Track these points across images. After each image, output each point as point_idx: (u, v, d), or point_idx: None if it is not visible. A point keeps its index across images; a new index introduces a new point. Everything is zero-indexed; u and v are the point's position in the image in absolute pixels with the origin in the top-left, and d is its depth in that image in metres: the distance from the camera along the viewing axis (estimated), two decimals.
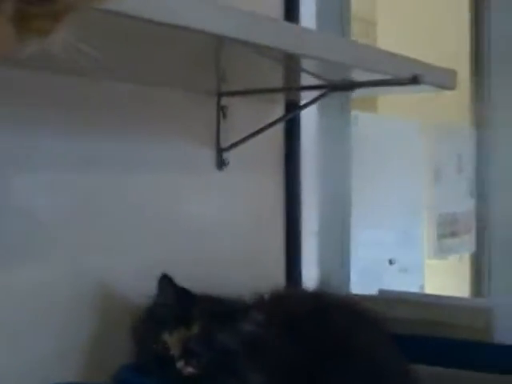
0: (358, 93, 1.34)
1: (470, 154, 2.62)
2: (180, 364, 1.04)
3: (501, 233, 2.63)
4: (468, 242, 2.61)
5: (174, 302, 1.11)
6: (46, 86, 1.06)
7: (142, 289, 1.09)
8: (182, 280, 1.11)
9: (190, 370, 1.04)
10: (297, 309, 1.17)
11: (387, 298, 1.38)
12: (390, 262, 1.94)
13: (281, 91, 1.38)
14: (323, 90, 1.28)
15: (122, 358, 1.08)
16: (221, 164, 1.35)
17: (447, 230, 2.47)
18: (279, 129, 1.49)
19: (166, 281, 1.11)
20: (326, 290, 1.25)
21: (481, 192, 2.64)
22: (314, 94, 1.36)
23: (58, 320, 1.10)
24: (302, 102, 1.47)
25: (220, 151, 1.35)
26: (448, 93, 2.37)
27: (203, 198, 1.33)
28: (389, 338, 1.23)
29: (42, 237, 1.07)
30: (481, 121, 2.67)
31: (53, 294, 1.09)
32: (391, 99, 2.16)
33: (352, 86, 1.22)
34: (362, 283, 1.84)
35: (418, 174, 2.31)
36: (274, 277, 1.46)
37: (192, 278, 1.11)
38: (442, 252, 2.43)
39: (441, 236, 2.42)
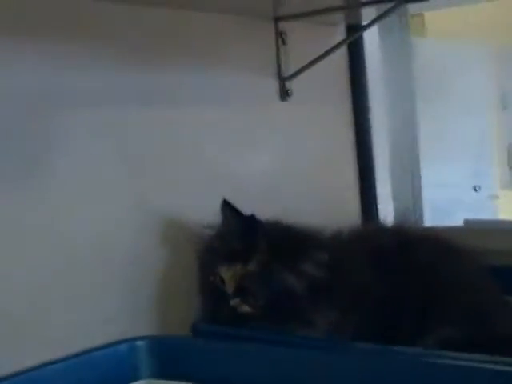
0: (430, 5, 1.19)
1: None
2: (235, 302, 0.97)
3: None
4: None
5: (235, 232, 1.02)
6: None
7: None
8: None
9: (246, 308, 0.97)
10: (380, 243, 1.06)
11: (474, 228, 1.27)
12: (475, 189, 1.83)
13: (342, 9, 1.25)
14: (392, 3, 1.15)
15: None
16: (284, 94, 1.24)
17: None
18: (342, 54, 1.37)
19: (227, 207, 1.03)
20: (408, 225, 1.15)
21: None
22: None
23: (125, 262, 1.03)
24: (365, 23, 1.35)
25: (282, 80, 1.24)
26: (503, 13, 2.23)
27: (268, 132, 1.22)
28: (480, 268, 1.13)
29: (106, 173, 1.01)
30: None
31: (118, 232, 1.02)
32: (438, 23, 2.02)
33: None
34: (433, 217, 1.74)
35: (484, 99, 2.18)
36: (350, 212, 1.36)
37: (262, 215, 1.03)
38: None
39: None
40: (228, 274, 0.98)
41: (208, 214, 1.03)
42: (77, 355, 0.92)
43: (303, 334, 0.97)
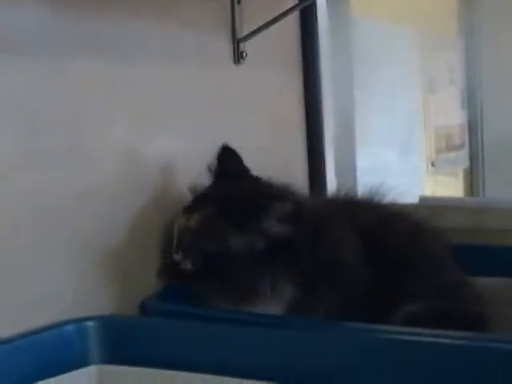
0: None
1: (460, 64, 2.47)
2: (177, 257, 0.89)
3: (493, 147, 2.51)
4: (462, 156, 2.48)
5: (210, 183, 0.94)
6: None
7: None
8: None
9: (187, 265, 0.88)
10: (363, 216, 0.99)
11: (430, 205, 1.22)
12: None
13: None
14: None
15: None
16: (238, 57, 1.15)
17: (443, 143, 2.33)
18: (296, 19, 1.29)
19: (224, 155, 0.94)
20: (377, 200, 1.06)
21: (472, 104, 2.50)
22: None
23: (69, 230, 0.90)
24: None
25: (237, 42, 1.14)
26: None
27: (220, 95, 1.13)
28: (444, 247, 1.08)
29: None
30: (469, 29, 2.51)
31: (61, 195, 0.90)
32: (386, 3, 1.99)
33: None
34: None
35: (412, 83, 2.16)
36: (298, 179, 1.28)
37: None
38: (440, 167, 2.29)
39: (438, 150, 2.28)
40: (176, 225, 0.90)
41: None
42: (16, 338, 0.80)
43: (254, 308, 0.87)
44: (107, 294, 0.94)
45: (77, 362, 0.83)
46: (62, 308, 0.87)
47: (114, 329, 0.86)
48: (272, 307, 0.88)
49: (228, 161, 0.94)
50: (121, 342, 0.85)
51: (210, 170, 0.94)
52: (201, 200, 0.91)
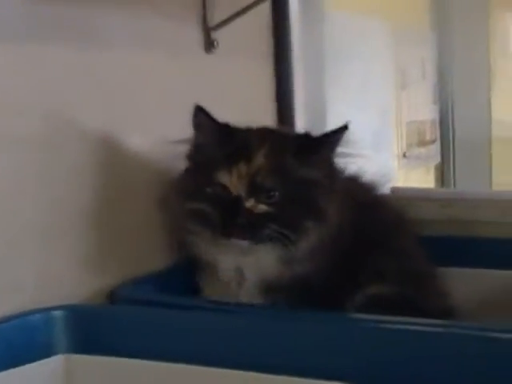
0: None
1: (432, 59, 2.48)
2: (250, 203, 0.88)
3: (464, 142, 2.53)
4: (434, 152, 2.49)
5: (218, 138, 0.93)
6: None
7: None
8: None
9: (262, 207, 0.89)
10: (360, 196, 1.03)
11: (402, 196, 1.22)
12: None
13: None
14: None
15: None
16: (209, 46, 1.13)
17: (415, 139, 2.34)
18: (267, 9, 1.28)
19: (201, 116, 0.94)
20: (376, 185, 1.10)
21: (444, 99, 2.51)
22: None
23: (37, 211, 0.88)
24: None
25: (208, 31, 1.13)
26: None
27: (191, 84, 1.11)
28: (416, 236, 1.09)
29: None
30: (441, 23, 2.52)
31: (27, 175, 0.88)
32: None
33: None
34: None
35: (384, 78, 2.16)
36: None
37: None
38: (411, 162, 2.29)
39: (410, 145, 2.29)
40: (232, 177, 0.89)
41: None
42: None
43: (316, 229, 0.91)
44: (75, 283, 0.92)
45: (43, 351, 0.82)
46: (28, 297, 0.86)
47: (82, 318, 0.85)
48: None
49: (209, 121, 0.95)
50: (88, 331, 0.84)
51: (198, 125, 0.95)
52: (237, 151, 0.91)
